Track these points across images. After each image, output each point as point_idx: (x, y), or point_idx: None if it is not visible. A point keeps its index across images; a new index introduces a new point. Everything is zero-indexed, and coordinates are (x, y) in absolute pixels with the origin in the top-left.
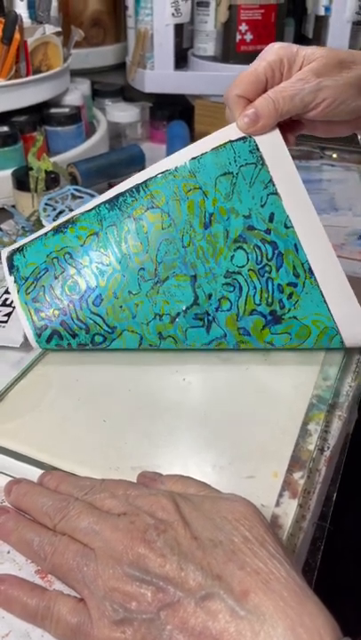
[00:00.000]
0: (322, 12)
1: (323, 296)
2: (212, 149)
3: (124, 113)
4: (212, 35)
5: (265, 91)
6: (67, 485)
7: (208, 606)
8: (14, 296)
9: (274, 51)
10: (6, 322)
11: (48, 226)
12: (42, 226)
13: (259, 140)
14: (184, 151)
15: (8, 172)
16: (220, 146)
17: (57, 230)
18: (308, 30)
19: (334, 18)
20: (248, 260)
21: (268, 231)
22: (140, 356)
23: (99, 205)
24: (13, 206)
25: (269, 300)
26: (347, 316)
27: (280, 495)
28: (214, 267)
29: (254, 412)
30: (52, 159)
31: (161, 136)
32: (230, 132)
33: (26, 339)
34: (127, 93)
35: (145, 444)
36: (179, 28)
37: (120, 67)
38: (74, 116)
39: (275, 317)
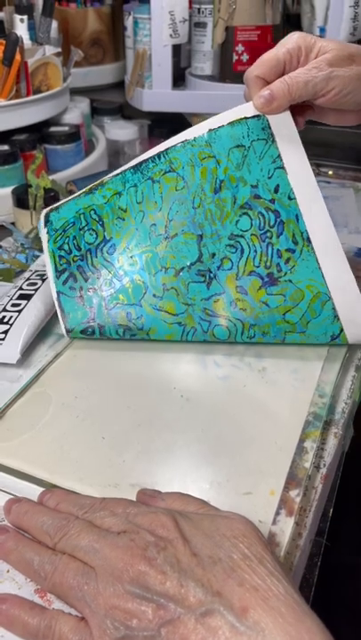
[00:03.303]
0: (317, 33)
1: (318, 263)
2: (229, 123)
3: (122, 130)
4: (209, 54)
5: (282, 74)
6: (67, 504)
7: (208, 622)
8: (44, 245)
9: (294, 39)
10: (3, 339)
11: (82, 190)
12: (41, 243)
13: (271, 119)
14: (204, 123)
15: (8, 190)
16: (236, 121)
17: (88, 192)
18: None
19: (329, 38)
20: (252, 225)
21: (272, 201)
22: (139, 373)
23: (125, 170)
24: (13, 223)
25: (268, 263)
26: (339, 284)
27: (277, 513)
28: (220, 229)
29: (251, 429)
30: (52, 177)
31: None
32: (246, 109)
33: (22, 355)
34: (126, 111)
35: (143, 460)
36: (176, 48)
37: (119, 85)
38: (73, 135)
39: (271, 279)
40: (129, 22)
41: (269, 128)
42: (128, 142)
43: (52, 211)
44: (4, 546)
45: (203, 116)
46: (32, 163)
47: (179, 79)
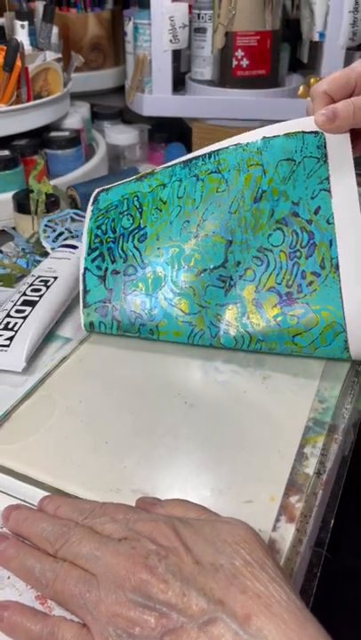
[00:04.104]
0: (316, 38)
1: (341, 292)
2: (285, 134)
3: (122, 135)
4: (208, 59)
5: (350, 95)
6: (66, 509)
7: (211, 631)
8: (86, 222)
9: None
10: (8, 346)
11: (133, 176)
12: (42, 247)
13: (329, 138)
14: (260, 130)
15: (9, 195)
16: (293, 133)
17: (138, 179)
18: (303, 55)
19: (328, 44)
20: (283, 241)
21: (309, 222)
22: (144, 378)
23: (176, 164)
24: (14, 228)
25: (290, 282)
26: (357, 319)
27: (277, 520)
28: (251, 238)
29: (252, 435)
30: (52, 182)
31: (159, 158)
32: (306, 123)
33: (28, 362)
34: (126, 116)
35: (145, 466)
36: (176, 54)
37: (119, 89)
38: (74, 140)
39: (289, 299)
40: (129, 27)
41: (324, 147)
42: (128, 147)
43: (102, 191)
44: (5, 553)
45: (202, 121)
46: (34, 168)
47: (179, 84)
